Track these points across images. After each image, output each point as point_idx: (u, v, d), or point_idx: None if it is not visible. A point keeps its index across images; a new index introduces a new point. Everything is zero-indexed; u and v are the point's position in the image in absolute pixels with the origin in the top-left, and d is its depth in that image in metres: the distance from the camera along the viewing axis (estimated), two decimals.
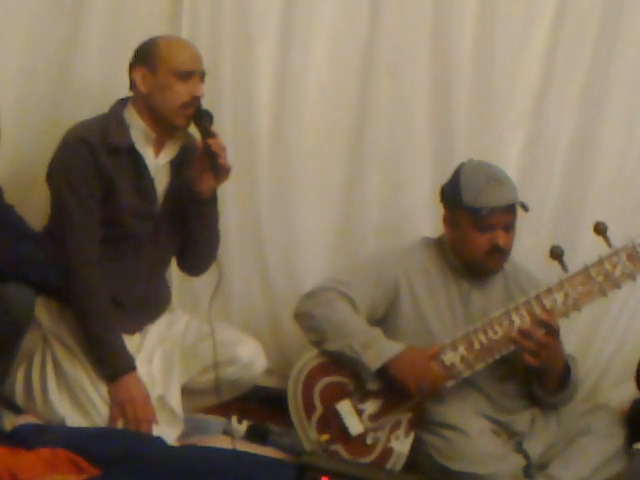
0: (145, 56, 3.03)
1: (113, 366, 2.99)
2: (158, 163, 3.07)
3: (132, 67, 3.06)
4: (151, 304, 3.19)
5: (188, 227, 3.13)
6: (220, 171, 3.01)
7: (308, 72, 3.60)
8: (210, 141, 3.00)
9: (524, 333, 3.04)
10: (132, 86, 3.06)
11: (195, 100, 3.02)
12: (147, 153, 3.05)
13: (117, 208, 3.01)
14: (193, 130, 3.11)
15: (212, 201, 3.11)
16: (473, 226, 3.15)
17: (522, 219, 3.22)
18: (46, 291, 2.96)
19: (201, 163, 3.03)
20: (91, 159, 2.96)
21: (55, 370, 3.00)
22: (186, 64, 3.02)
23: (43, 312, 3.01)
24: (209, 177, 3.03)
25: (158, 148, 3.07)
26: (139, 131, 3.03)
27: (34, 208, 3.16)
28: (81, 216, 2.98)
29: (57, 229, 3.01)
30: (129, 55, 3.38)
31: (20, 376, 3.03)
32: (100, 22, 3.41)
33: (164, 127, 3.05)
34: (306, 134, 3.62)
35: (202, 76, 3.06)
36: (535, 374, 3.18)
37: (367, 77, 3.60)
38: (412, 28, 3.59)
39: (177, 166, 3.11)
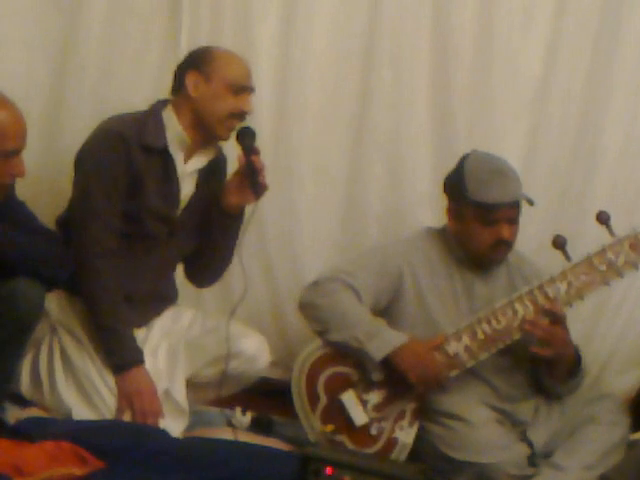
0: (200, 63, 3.00)
1: (122, 358, 2.98)
2: (185, 170, 3.04)
3: (184, 71, 3.01)
4: (158, 300, 3.18)
5: (209, 239, 3.13)
6: (260, 189, 3.00)
7: (309, 63, 3.60)
8: (254, 158, 2.99)
9: (530, 323, 3.04)
10: (178, 88, 3.03)
11: (243, 115, 3.02)
12: (178, 158, 3.02)
13: (139, 206, 2.99)
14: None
15: (239, 217, 3.11)
16: (477, 219, 3.14)
17: (525, 207, 3.19)
18: (56, 286, 2.94)
19: (239, 179, 3.03)
20: (124, 153, 2.93)
21: (63, 360, 2.98)
22: (241, 79, 3.01)
23: (52, 302, 2.99)
24: (245, 193, 3.03)
25: (188, 155, 3.05)
26: (174, 134, 3.00)
27: (40, 203, 3.13)
28: (104, 207, 2.94)
29: (77, 217, 2.99)
30: (128, 48, 3.39)
31: (27, 366, 3.02)
32: (98, 16, 3.39)
33: (203, 135, 3.02)
34: (307, 124, 3.62)
35: (251, 92, 3.05)
36: (545, 363, 3.18)
37: (368, 67, 3.61)
38: (413, 16, 3.58)
39: (204, 177, 3.10)
